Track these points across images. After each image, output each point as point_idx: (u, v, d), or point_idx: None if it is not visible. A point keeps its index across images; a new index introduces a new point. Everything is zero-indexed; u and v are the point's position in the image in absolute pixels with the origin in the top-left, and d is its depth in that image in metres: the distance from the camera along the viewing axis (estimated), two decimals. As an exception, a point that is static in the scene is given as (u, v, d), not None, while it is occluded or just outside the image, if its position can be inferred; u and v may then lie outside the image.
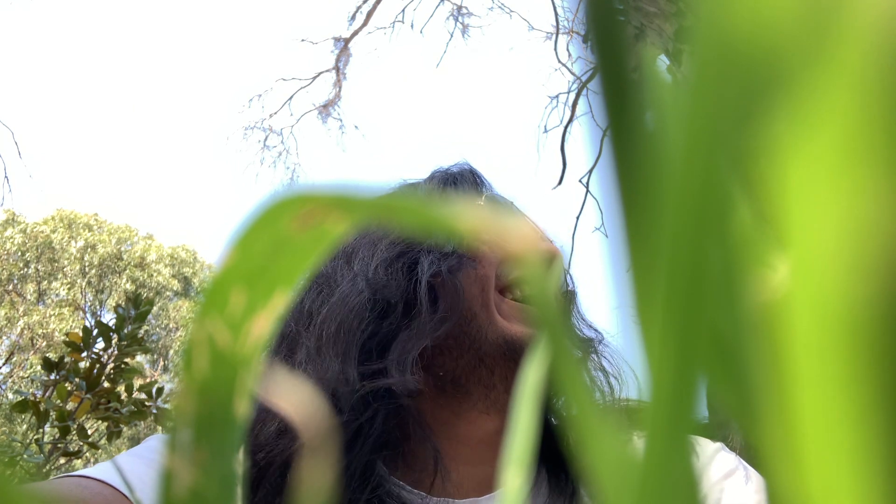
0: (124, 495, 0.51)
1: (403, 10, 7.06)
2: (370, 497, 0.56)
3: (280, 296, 0.13)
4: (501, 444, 0.63)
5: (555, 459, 0.63)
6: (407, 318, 0.60)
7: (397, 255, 0.63)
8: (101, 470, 0.53)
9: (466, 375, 0.61)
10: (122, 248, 12.98)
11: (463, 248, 0.63)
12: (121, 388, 2.64)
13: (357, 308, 0.59)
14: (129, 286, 12.35)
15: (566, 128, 5.48)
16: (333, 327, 0.59)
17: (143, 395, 2.67)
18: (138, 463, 0.55)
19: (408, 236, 0.64)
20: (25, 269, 12.44)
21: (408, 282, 0.61)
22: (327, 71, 7.32)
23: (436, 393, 0.62)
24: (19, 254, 12.43)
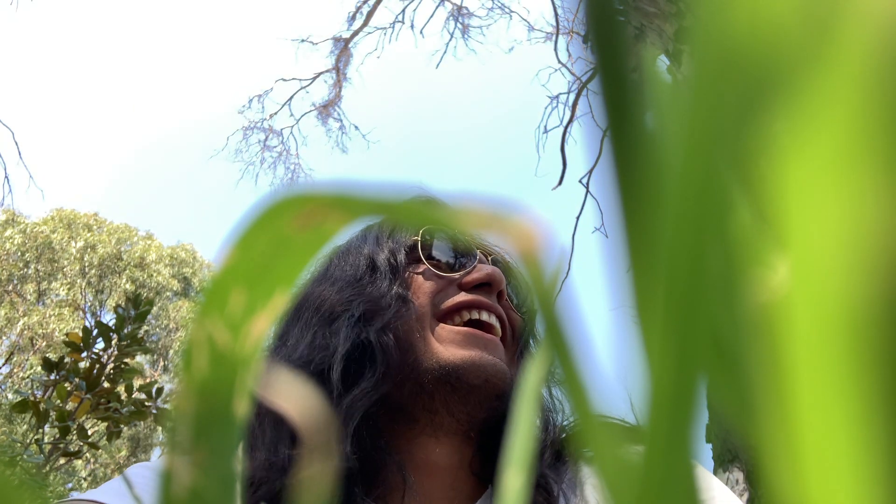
0: None
1: (403, 11, 7.07)
2: None
3: (280, 296, 0.13)
4: (457, 468, 0.64)
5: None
6: (358, 375, 0.61)
7: (341, 310, 0.63)
8: (105, 492, 0.54)
9: (411, 403, 0.62)
10: (122, 249, 12.98)
11: (398, 289, 0.64)
12: (121, 389, 2.64)
13: (309, 369, 0.60)
14: (129, 286, 12.35)
15: (566, 128, 5.49)
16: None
17: (143, 395, 2.67)
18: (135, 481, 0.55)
19: (355, 277, 0.65)
20: (25, 270, 12.44)
21: (360, 338, 0.62)
22: (327, 71, 7.32)
23: (389, 421, 0.63)
24: (19, 254, 12.43)
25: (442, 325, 0.64)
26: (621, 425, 0.10)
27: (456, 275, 0.66)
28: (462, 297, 0.65)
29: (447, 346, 0.62)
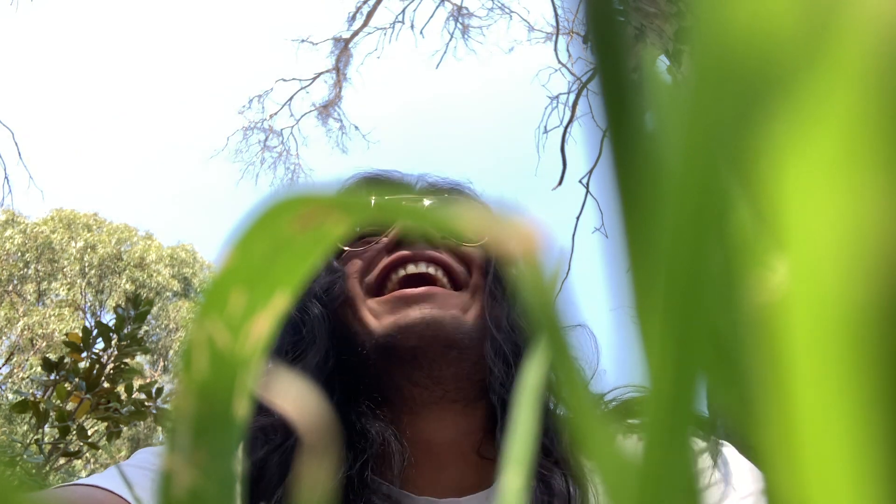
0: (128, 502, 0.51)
1: (403, 11, 7.07)
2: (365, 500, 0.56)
3: (280, 296, 0.13)
4: (467, 457, 0.62)
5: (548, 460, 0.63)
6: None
7: (296, 310, 0.63)
8: (107, 477, 0.53)
9: (377, 387, 0.61)
10: (122, 249, 12.98)
11: (324, 279, 0.63)
12: (120, 389, 2.64)
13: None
14: (129, 286, 12.36)
15: (566, 128, 5.49)
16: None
17: (143, 396, 2.67)
18: (135, 472, 0.55)
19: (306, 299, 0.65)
20: (25, 270, 12.44)
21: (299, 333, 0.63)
22: (327, 71, 7.32)
23: (377, 407, 0.61)
24: (19, 254, 12.43)
25: (371, 299, 0.62)
26: (621, 426, 0.10)
27: (375, 241, 0.63)
28: (383, 263, 0.62)
29: (379, 318, 0.60)
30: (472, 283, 0.63)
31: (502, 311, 0.63)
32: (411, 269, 0.61)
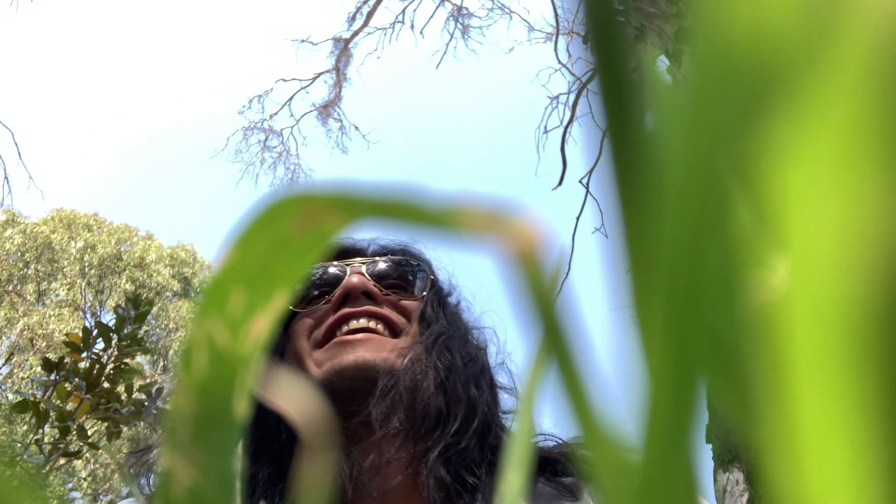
0: None
1: (403, 11, 7.07)
2: None
3: (280, 296, 0.13)
4: (401, 474, 0.64)
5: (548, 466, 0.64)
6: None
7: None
8: None
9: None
10: (122, 249, 12.98)
11: (284, 338, 0.68)
12: (121, 389, 2.64)
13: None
14: (129, 286, 12.36)
15: (566, 129, 5.49)
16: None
17: (143, 396, 2.67)
18: None
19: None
20: (25, 270, 12.44)
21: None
22: (327, 72, 7.32)
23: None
24: (19, 254, 12.43)
25: (316, 350, 0.68)
26: (620, 426, 0.10)
27: (322, 303, 0.70)
28: (329, 321, 0.69)
29: (321, 367, 0.66)
30: (412, 331, 0.70)
31: (450, 348, 0.69)
32: (353, 323, 0.68)
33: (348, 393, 0.64)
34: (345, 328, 0.68)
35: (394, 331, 0.69)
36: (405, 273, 0.74)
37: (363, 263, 0.72)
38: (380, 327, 0.68)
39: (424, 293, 0.73)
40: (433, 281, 0.75)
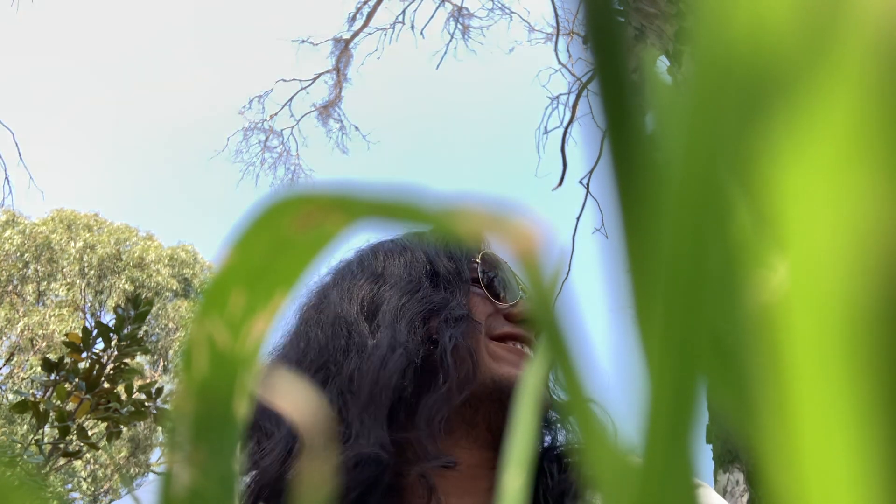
0: None
1: (404, 12, 7.07)
2: None
3: (280, 296, 0.13)
4: (481, 478, 0.65)
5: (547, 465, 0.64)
6: (427, 381, 0.62)
7: (419, 314, 0.65)
8: None
9: (452, 415, 0.63)
10: (122, 249, 12.97)
11: (463, 305, 0.67)
12: (120, 389, 2.64)
13: (391, 369, 0.61)
14: (129, 286, 12.35)
15: (566, 129, 5.49)
16: (367, 388, 0.60)
17: (143, 396, 2.67)
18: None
19: (420, 278, 0.68)
20: (25, 270, 12.44)
21: (428, 344, 0.64)
22: (328, 72, 7.32)
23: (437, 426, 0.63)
24: (19, 255, 12.43)
25: (494, 342, 0.67)
26: (621, 427, 0.10)
27: (504, 304, 0.69)
28: (510, 327, 0.68)
29: (500, 363, 0.65)
30: None
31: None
32: (526, 350, 0.68)
33: (514, 406, 0.63)
34: (519, 347, 0.67)
35: None
36: None
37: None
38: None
39: None
40: None
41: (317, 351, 0.65)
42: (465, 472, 0.64)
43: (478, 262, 0.71)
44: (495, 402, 0.63)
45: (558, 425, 0.68)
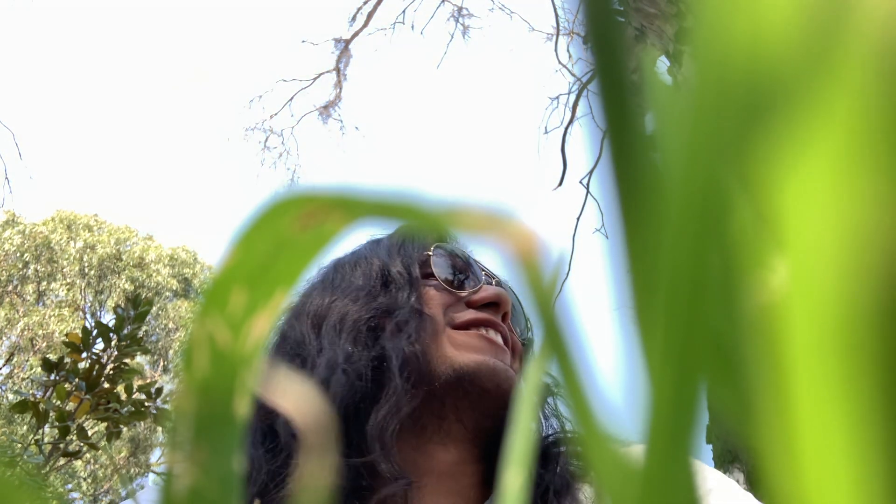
0: None
1: (404, 12, 7.07)
2: None
3: (280, 296, 0.13)
4: (462, 475, 0.64)
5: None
6: (378, 393, 0.61)
7: (363, 321, 0.64)
8: None
9: (420, 410, 0.62)
10: (122, 249, 12.97)
11: (414, 303, 0.65)
12: (120, 389, 2.64)
13: (334, 391, 0.60)
14: (129, 287, 12.35)
15: (567, 129, 5.49)
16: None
17: (143, 396, 2.67)
18: None
19: (370, 286, 0.66)
20: (25, 270, 12.44)
21: (374, 352, 0.62)
22: (328, 72, 7.32)
23: (401, 428, 0.62)
24: (18, 255, 12.43)
25: (457, 331, 0.65)
26: (621, 427, 0.10)
27: (464, 292, 0.68)
28: (472, 314, 0.67)
29: (461, 350, 0.64)
30: (516, 367, 0.69)
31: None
32: (492, 334, 0.66)
33: (479, 393, 0.62)
34: (483, 333, 0.66)
35: (513, 354, 0.68)
36: (518, 314, 0.73)
37: (490, 277, 0.71)
38: (507, 348, 0.67)
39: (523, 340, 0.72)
40: (531, 334, 0.74)
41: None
42: (445, 471, 0.63)
43: (430, 255, 0.70)
44: (460, 391, 0.62)
45: (553, 421, 0.67)
